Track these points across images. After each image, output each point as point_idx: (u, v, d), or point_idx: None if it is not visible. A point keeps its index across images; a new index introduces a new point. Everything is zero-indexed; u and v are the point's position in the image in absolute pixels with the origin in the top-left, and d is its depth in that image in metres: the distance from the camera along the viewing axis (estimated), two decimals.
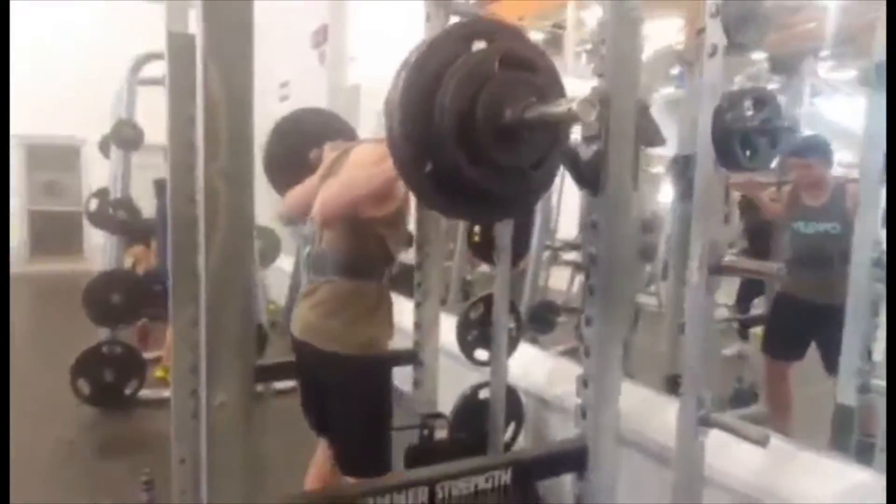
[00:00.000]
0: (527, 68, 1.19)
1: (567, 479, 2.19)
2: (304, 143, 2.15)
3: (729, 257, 1.71)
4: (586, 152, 1.51)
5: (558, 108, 1.08)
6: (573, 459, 1.63)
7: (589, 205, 1.58)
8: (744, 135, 1.58)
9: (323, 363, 1.66)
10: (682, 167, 3.14)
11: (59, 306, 5.57)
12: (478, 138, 1.09)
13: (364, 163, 1.62)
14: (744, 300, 5.66)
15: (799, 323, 3.14)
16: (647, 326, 4.35)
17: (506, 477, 1.51)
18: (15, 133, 8.58)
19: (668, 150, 3.33)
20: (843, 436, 2.29)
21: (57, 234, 9.10)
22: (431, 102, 1.10)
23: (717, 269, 1.69)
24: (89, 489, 2.54)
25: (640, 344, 3.96)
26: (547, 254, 5.24)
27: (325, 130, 2.20)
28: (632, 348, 3.81)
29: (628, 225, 1.60)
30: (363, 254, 1.69)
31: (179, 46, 1.90)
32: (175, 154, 2.15)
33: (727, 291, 6.44)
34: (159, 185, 3.91)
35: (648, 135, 1.62)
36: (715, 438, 1.86)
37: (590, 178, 1.51)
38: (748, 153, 1.62)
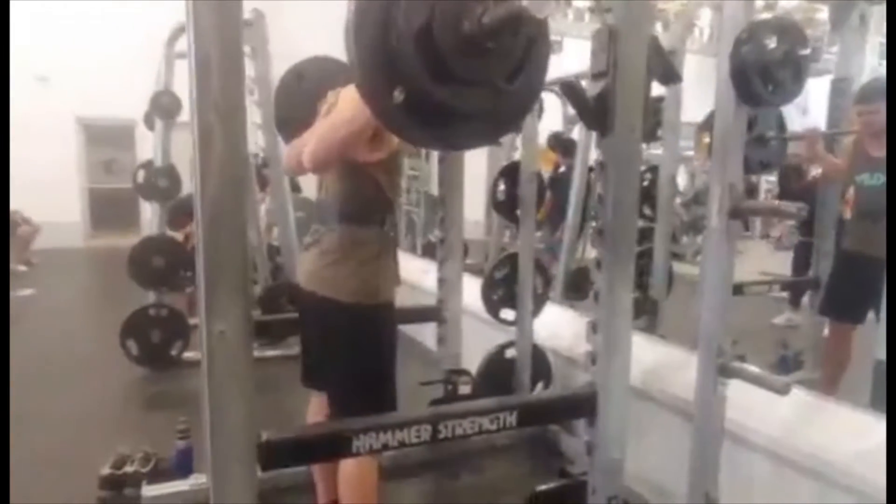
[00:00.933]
0: None
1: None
2: (312, 94, 2.06)
3: (749, 200, 1.64)
4: (593, 88, 1.47)
5: (512, 6, 1.00)
6: (582, 405, 1.61)
7: (597, 145, 1.53)
8: (764, 67, 1.50)
9: (328, 311, 1.67)
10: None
11: (115, 277, 5.84)
12: (440, 55, 1.03)
13: (347, 103, 1.55)
14: (797, 270, 5.43)
15: (866, 281, 2.91)
16: (689, 296, 4.23)
17: (511, 419, 1.51)
18: (74, 114, 9.01)
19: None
20: (880, 392, 2.18)
21: (114, 210, 9.51)
22: (386, 27, 1.04)
23: (736, 212, 1.63)
24: (134, 438, 2.67)
25: (679, 311, 3.86)
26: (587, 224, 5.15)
27: (333, 79, 2.05)
28: (666, 312, 3.73)
29: (636, 167, 1.55)
30: (362, 200, 1.69)
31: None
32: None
33: (783, 262, 6.20)
34: None
35: (661, 72, 1.56)
36: (737, 393, 1.81)
37: (596, 116, 1.47)
38: (770, 87, 1.54)
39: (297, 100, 2.10)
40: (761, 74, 1.52)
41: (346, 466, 1.67)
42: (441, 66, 1.04)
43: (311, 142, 1.55)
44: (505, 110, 1.15)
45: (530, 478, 2.61)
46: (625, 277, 1.53)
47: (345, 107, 1.55)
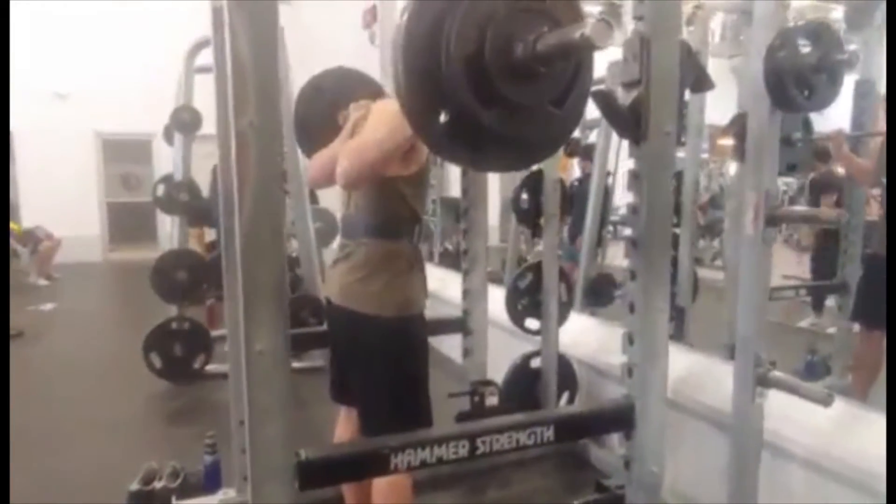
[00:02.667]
0: None
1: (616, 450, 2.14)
2: (331, 105, 2.08)
3: (786, 207, 1.61)
4: (626, 97, 1.45)
5: (570, 34, 0.97)
6: (619, 418, 1.58)
7: (629, 154, 1.51)
8: (799, 73, 1.48)
9: (360, 326, 1.66)
10: (743, 126, 2.98)
11: (135, 291, 5.89)
12: (490, 79, 1.00)
13: (382, 120, 1.55)
14: (818, 273, 5.37)
15: None
16: (713, 301, 4.18)
17: (549, 433, 1.48)
18: (91, 129, 9.13)
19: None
20: None
21: (132, 224, 9.60)
22: (436, 47, 1.02)
23: (772, 219, 1.60)
24: (159, 452, 2.68)
25: (705, 317, 3.82)
26: (605, 229, 5.11)
27: (352, 90, 2.11)
28: (691, 318, 3.69)
29: (670, 175, 1.53)
30: (391, 214, 1.68)
31: (223, 22, 1.96)
32: (224, 136, 2.21)
33: (800, 264, 6.12)
34: (216, 172, 4.04)
35: (694, 79, 1.54)
36: (775, 404, 1.78)
37: (629, 125, 1.45)
38: (806, 93, 1.52)
39: (317, 112, 2.10)
40: (796, 80, 1.49)
41: (381, 482, 1.65)
42: (489, 89, 1.02)
43: (343, 158, 1.53)
44: (551, 134, 1.14)
45: (561, 491, 2.58)
46: (661, 287, 1.51)
47: (379, 124, 1.54)
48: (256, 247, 1.13)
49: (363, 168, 1.51)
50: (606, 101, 1.43)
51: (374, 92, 2.15)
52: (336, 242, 2.92)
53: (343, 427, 1.92)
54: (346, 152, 1.54)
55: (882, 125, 2.99)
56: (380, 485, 1.66)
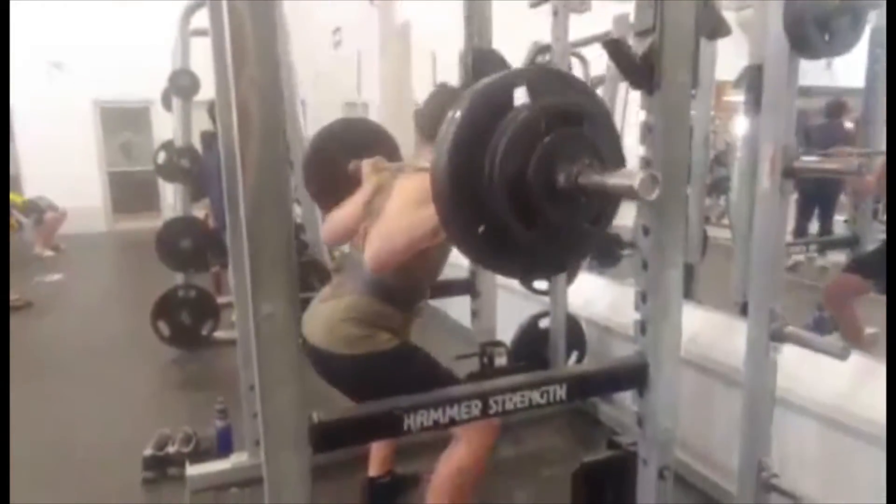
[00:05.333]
0: (575, 121, 1.10)
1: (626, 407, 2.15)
2: (342, 154, 2.17)
3: (804, 157, 1.57)
4: (639, 46, 1.39)
5: (617, 181, 1.01)
6: (632, 376, 1.56)
7: (641, 105, 1.46)
8: (820, 15, 1.42)
9: (343, 367, 1.66)
10: (755, 78, 2.91)
11: (140, 260, 5.90)
12: (532, 201, 1.05)
13: (409, 202, 1.57)
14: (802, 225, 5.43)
15: None
16: (720, 259, 4.15)
17: (561, 392, 1.47)
18: (89, 97, 9.01)
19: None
20: None
21: (134, 193, 9.56)
22: (480, 165, 1.06)
23: (790, 172, 1.56)
24: (171, 418, 2.71)
25: (713, 274, 3.79)
26: None
27: (363, 140, 2.21)
28: (700, 277, 3.66)
29: (685, 127, 1.48)
30: (401, 283, 1.67)
31: None
32: (224, 97, 2.17)
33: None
34: (206, 137, 3.98)
35: (710, 25, 1.47)
36: (786, 360, 1.76)
37: (643, 74, 1.40)
38: (826, 37, 1.45)
39: (329, 160, 2.17)
40: (817, 23, 1.43)
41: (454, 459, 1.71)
42: (531, 210, 1.06)
43: (374, 240, 1.55)
44: (586, 248, 1.24)
45: (573, 448, 2.60)
46: (675, 243, 1.47)
47: (407, 205, 1.57)
48: (262, 205, 1.10)
49: (394, 254, 1.53)
50: (618, 50, 1.37)
51: (385, 142, 2.24)
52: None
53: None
54: (380, 236, 1.56)
55: None
56: (453, 459, 1.71)
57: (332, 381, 1.74)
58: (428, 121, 1.79)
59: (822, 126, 5.61)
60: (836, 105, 5.60)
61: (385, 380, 1.64)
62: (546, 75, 1.18)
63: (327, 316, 1.70)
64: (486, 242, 1.10)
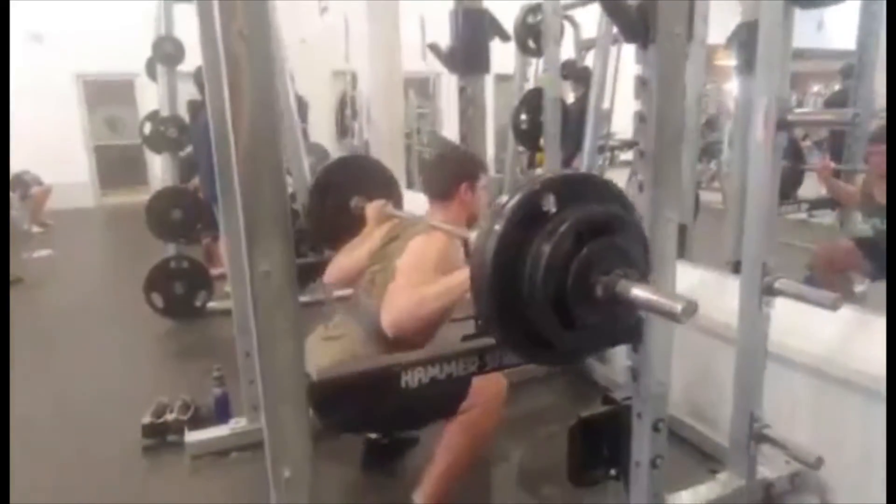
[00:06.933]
0: (606, 231, 1.15)
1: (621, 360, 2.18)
2: (344, 190, 2.27)
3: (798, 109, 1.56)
4: None
5: (660, 303, 1.06)
6: (627, 331, 1.58)
7: (636, 59, 1.44)
8: None
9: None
10: (746, 36, 2.88)
11: (129, 233, 5.85)
12: (570, 310, 1.11)
13: (426, 266, 1.64)
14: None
15: None
16: (711, 221, 4.17)
17: None
18: (71, 70, 8.82)
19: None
20: None
21: (122, 167, 9.41)
22: (520, 274, 1.11)
23: (784, 124, 1.56)
24: (169, 387, 2.71)
25: (704, 236, 3.81)
26: (603, 156, 5.02)
27: (365, 177, 2.32)
28: (693, 238, 3.69)
29: (681, 81, 1.47)
30: (411, 336, 1.65)
31: None
32: (210, 67, 2.13)
33: None
34: (193, 107, 3.91)
35: None
36: (779, 314, 1.78)
37: (638, 28, 1.38)
38: None
39: (332, 197, 2.30)
40: None
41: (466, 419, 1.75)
42: (569, 317, 1.12)
43: (392, 309, 1.59)
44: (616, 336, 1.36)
45: (568, 407, 2.64)
46: (670, 200, 1.47)
47: (422, 269, 1.64)
48: (256, 164, 1.08)
49: (420, 321, 1.59)
50: (614, 4, 1.35)
51: (386, 181, 2.39)
52: None
53: None
54: (398, 305, 1.59)
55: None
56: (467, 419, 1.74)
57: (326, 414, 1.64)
58: (437, 185, 1.90)
59: (841, 91, 5.52)
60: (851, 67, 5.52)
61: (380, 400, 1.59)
62: (574, 182, 1.22)
63: (328, 355, 1.69)
64: (527, 341, 1.17)
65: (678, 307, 1.02)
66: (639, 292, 1.09)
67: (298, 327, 1.18)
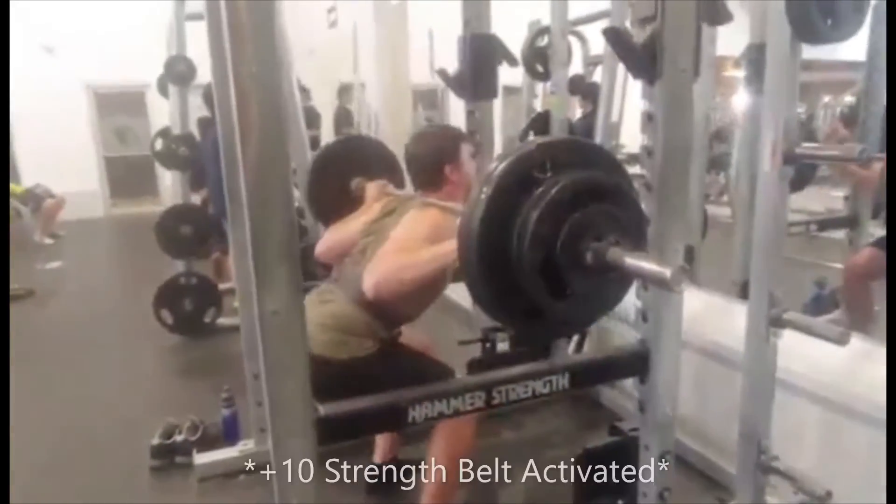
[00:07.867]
0: (598, 197, 1.12)
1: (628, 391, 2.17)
2: (345, 170, 2.21)
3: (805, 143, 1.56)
4: (640, 34, 1.38)
5: (650, 270, 1.05)
6: (635, 364, 1.58)
7: (643, 94, 1.45)
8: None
9: (328, 371, 1.58)
10: (756, 57, 2.89)
11: (139, 246, 5.89)
12: (560, 275, 1.09)
13: (418, 236, 1.60)
14: None
15: None
16: (719, 237, 4.16)
17: (563, 381, 1.48)
18: (82, 82, 8.92)
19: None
20: None
21: (132, 178, 9.50)
22: (507, 244, 1.08)
23: (790, 158, 1.55)
24: (177, 406, 2.73)
25: (712, 254, 3.80)
26: None
27: (366, 158, 2.26)
28: (701, 258, 3.67)
29: (688, 116, 1.47)
30: (395, 307, 1.68)
31: None
32: (222, 85, 2.15)
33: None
34: (203, 124, 3.95)
35: (712, 11, 1.46)
36: (787, 342, 1.77)
37: (644, 63, 1.39)
38: (829, 21, 1.44)
39: (332, 177, 2.23)
40: (820, 7, 1.42)
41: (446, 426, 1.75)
42: (560, 285, 1.10)
43: (379, 269, 1.55)
44: (609, 307, 1.29)
45: (574, 432, 2.63)
46: (677, 232, 1.48)
47: (415, 239, 1.60)
48: (264, 202, 1.09)
49: (401, 285, 1.54)
50: (619, 39, 1.36)
51: (388, 161, 2.29)
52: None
53: None
54: (385, 265, 1.56)
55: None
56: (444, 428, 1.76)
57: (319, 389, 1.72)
58: (423, 178, 1.86)
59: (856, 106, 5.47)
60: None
61: (372, 383, 1.54)
62: (569, 147, 1.19)
63: (313, 314, 1.67)
64: (515, 312, 1.15)
65: (667, 273, 1.02)
66: (630, 260, 1.07)
67: (305, 364, 1.19)
